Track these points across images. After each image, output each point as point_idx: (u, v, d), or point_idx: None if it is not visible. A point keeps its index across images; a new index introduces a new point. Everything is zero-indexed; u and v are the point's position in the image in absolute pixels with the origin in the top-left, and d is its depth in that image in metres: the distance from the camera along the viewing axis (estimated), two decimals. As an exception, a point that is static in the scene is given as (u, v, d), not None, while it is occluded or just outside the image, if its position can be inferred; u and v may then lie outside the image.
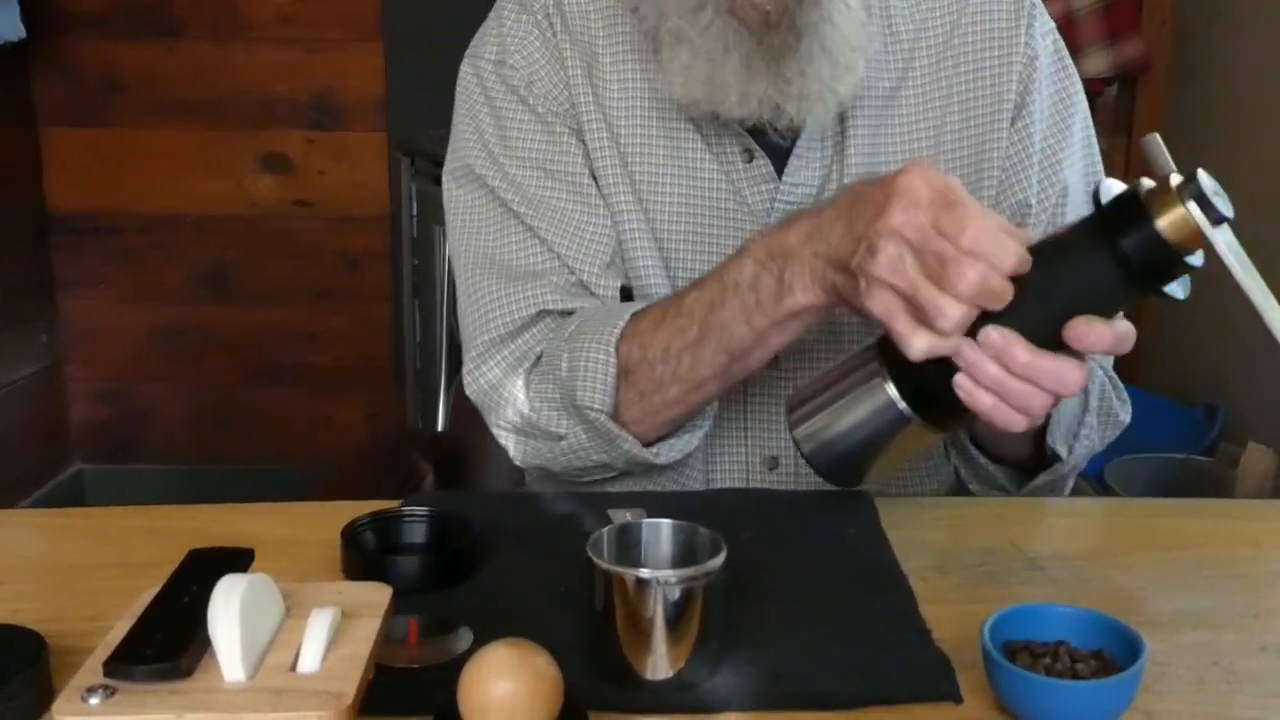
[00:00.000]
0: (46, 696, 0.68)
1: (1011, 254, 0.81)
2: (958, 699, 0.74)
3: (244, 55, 2.95)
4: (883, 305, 0.85)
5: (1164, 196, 0.79)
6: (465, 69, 1.20)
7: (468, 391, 1.14)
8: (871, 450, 0.92)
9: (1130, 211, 0.80)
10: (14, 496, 2.82)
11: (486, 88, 1.17)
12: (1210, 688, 0.76)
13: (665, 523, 0.80)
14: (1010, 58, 1.14)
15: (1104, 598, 0.88)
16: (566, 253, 1.12)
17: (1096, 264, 0.81)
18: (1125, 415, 1.14)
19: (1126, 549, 0.98)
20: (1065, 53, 1.19)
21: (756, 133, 1.11)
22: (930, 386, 0.87)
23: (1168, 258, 0.80)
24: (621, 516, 0.91)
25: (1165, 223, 0.79)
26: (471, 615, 0.82)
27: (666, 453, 1.08)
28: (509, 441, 1.14)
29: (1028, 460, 1.09)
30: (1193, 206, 0.78)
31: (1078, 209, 1.16)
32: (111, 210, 3.01)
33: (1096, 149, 1.20)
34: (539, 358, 1.11)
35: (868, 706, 0.73)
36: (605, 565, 0.74)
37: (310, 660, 0.58)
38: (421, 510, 0.95)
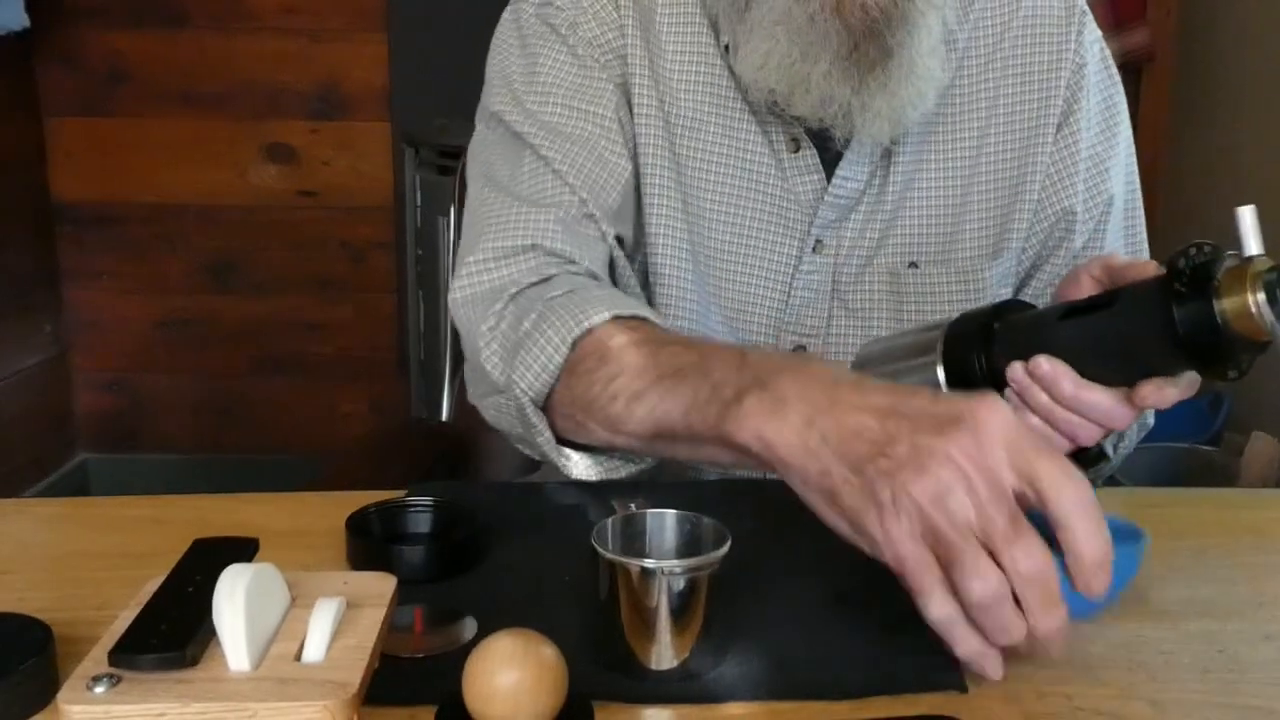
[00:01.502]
0: (52, 685, 0.68)
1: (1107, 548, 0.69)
2: (963, 688, 0.74)
3: (248, 45, 2.95)
4: (908, 542, 0.70)
5: (1237, 279, 0.75)
6: (505, 17, 1.18)
7: (453, 303, 1.07)
8: None
9: (1197, 283, 0.76)
10: (19, 486, 2.83)
11: (522, 29, 1.15)
12: (1216, 676, 0.76)
13: (670, 513, 0.80)
14: (1059, 63, 1.14)
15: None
16: (577, 181, 1.09)
17: (1153, 327, 0.78)
18: (1150, 418, 1.15)
19: (1131, 539, 0.98)
20: (1111, 61, 1.19)
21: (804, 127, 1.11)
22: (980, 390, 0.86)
23: (1226, 342, 0.76)
24: (626, 506, 0.91)
25: (1228, 305, 0.75)
26: (476, 604, 0.82)
27: (577, 466, 1.01)
28: (466, 370, 1.09)
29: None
30: (1262, 299, 0.74)
31: (1118, 221, 1.17)
32: (115, 200, 3.02)
33: (1135, 161, 1.20)
34: (519, 293, 1.04)
35: (873, 696, 0.73)
36: (609, 555, 0.74)
37: (315, 650, 0.58)
38: (426, 500, 0.95)
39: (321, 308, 3.07)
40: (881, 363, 0.95)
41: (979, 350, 0.88)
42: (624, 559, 0.73)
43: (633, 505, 0.90)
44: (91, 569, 0.90)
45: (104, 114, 2.97)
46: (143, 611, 0.60)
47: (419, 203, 2.65)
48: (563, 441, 1.02)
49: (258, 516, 1.00)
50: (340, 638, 0.59)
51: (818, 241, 1.13)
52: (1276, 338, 0.75)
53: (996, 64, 1.14)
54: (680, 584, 0.73)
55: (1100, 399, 0.83)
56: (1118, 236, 1.18)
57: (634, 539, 0.79)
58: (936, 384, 0.89)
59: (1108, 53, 1.19)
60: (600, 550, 0.74)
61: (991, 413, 0.70)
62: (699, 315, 1.14)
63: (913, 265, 1.14)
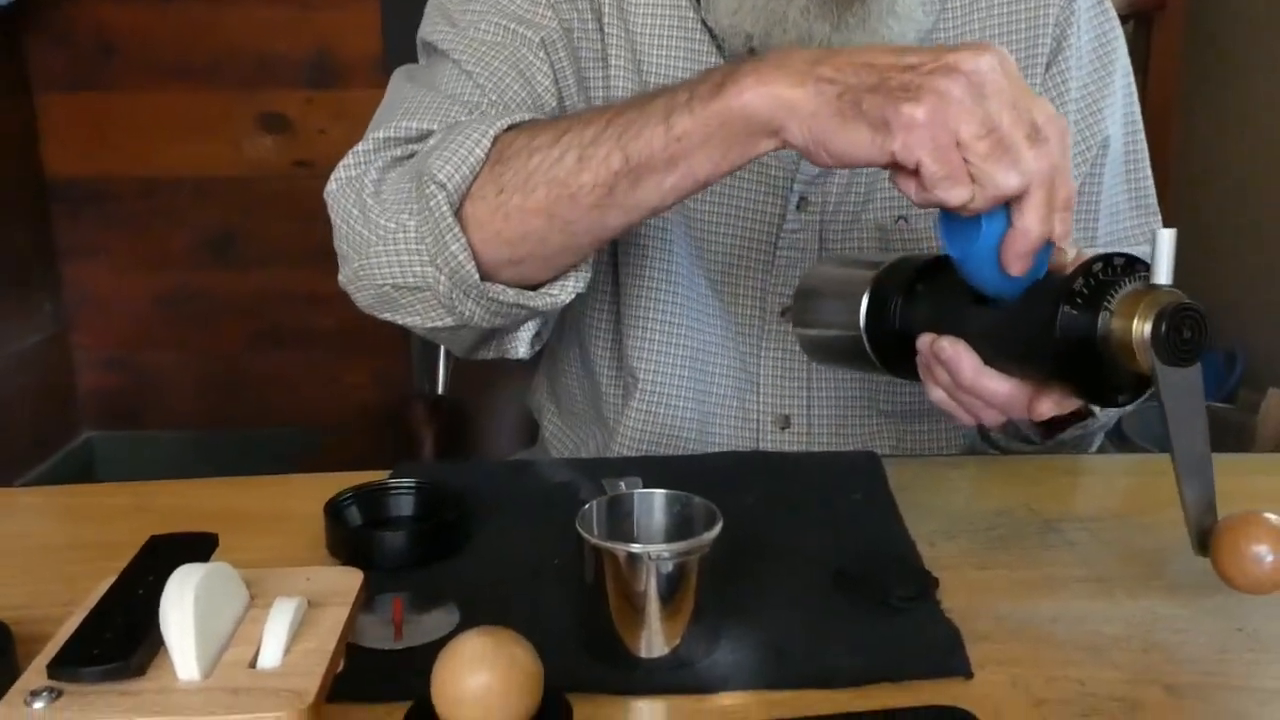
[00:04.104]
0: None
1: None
2: (968, 674, 0.70)
3: (239, 14, 2.90)
4: (943, 128, 0.71)
5: (1133, 302, 0.72)
6: None
7: (335, 183, 0.98)
8: (838, 360, 0.97)
9: (1096, 293, 0.73)
10: (23, 466, 2.81)
11: None
12: (1233, 656, 0.72)
13: (659, 493, 0.76)
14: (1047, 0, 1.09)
15: (1123, 561, 0.84)
16: (499, 97, 1.02)
17: (1039, 323, 0.75)
18: None
19: (1146, 508, 0.95)
20: None
21: None
22: (896, 346, 0.86)
23: (1103, 362, 0.74)
24: (616, 486, 0.88)
25: (1114, 325, 0.73)
26: (460, 591, 0.79)
27: (494, 290, 0.92)
28: (341, 244, 0.99)
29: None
30: (1148, 329, 0.71)
31: (1117, 162, 1.12)
32: (110, 175, 2.98)
33: (1137, 99, 1.15)
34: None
35: (872, 684, 0.69)
36: (594, 540, 0.70)
37: (271, 656, 0.54)
38: (408, 482, 0.91)
39: (322, 280, 3.00)
40: (825, 287, 0.94)
41: (899, 298, 0.86)
42: (609, 544, 0.70)
43: (622, 484, 0.87)
44: (65, 562, 0.87)
45: (95, 88, 2.93)
46: (87, 618, 0.56)
47: (416, 171, 2.60)
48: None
49: (240, 500, 0.98)
50: (300, 640, 0.56)
51: (801, 199, 1.09)
52: (1155, 375, 0.72)
53: (981, 5, 1.09)
54: (669, 568, 0.69)
55: (999, 388, 0.80)
56: (1117, 181, 1.14)
57: (621, 521, 0.75)
58: (857, 325, 0.87)
59: None
60: (585, 535, 0.71)
61: (1005, 54, 0.73)
62: (684, 278, 1.10)
63: (902, 219, 1.09)
